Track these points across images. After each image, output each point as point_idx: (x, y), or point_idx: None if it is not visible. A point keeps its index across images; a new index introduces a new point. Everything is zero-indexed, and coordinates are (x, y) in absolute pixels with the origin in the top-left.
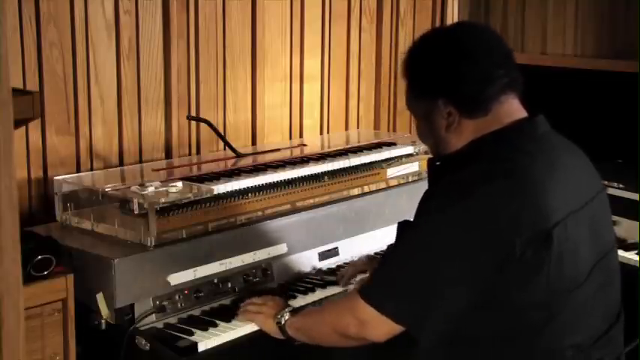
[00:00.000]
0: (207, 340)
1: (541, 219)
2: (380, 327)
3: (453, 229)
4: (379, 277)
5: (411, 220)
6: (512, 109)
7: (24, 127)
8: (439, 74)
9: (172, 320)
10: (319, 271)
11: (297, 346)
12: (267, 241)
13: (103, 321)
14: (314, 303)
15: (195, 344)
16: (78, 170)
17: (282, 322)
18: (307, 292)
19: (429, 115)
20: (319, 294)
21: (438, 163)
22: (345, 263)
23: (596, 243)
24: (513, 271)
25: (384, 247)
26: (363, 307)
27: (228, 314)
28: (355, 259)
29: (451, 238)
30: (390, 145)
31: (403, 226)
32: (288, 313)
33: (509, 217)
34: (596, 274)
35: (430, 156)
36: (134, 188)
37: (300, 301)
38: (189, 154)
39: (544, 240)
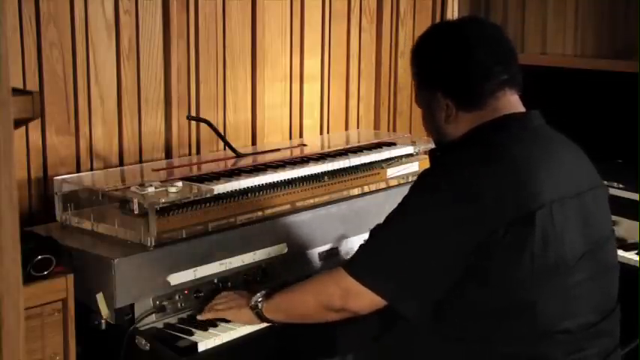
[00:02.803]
0: (207, 340)
1: (525, 201)
2: (363, 297)
3: (438, 208)
4: (364, 250)
5: None
6: (509, 103)
7: (24, 127)
8: (438, 69)
9: (172, 320)
10: (319, 271)
11: (300, 342)
12: (267, 241)
13: (103, 321)
14: None
15: (195, 344)
16: (78, 170)
17: (260, 307)
18: None
19: (430, 106)
20: None
21: (438, 154)
22: None
23: (586, 233)
24: (497, 250)
25: None
26: (346, 277)
27: None
28: None
29: (435, 217)
30: (390, 145)
31: None
32: (262, 297)
33: (493, 197)
34: (586, 264)
35: (433, 146)
36: (134, 188)
37: None
38: (189, 154)
39: (527, 222)
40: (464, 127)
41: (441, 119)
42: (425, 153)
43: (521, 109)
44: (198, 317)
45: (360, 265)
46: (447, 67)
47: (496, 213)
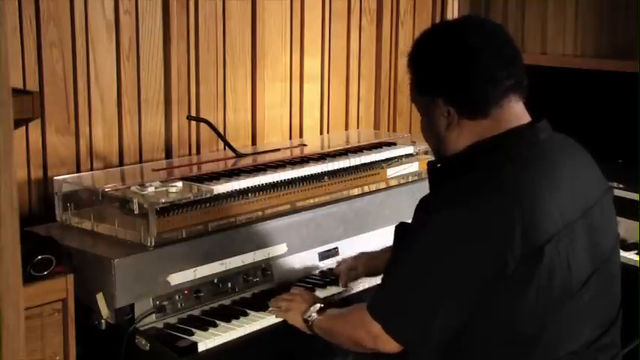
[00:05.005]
0: (207, 340)
1: (533, 235)
2: (391, 342)
3: (448, 247)
4: (385, 294)
5: (408, 222)
6: (514, 113)
7: (24, 127)
8: (439, 74)
9: (172, 320)
10: (319, 271)
11: (299, 343)
12: (267, 241)
13: (103, 321)
14: None
15: (195, 344)
16: (78, 170)
17: (310, 322)
18: None
19: (430, 113)
20: (319, 294)
21: (438, 165)
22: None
23: (594, 252)
24: (505, 285)
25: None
26: (372, 322)
27: (228, 314)
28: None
29: (446, 257)
30: (390, 145)
31: (400, 232)
32: (315, 313)
33: (501, 233)
34: (592, 284)
35: (431, 158)
36: (134, 188)
37: None
38: (189, 154)
39: (536, 256)
40: (466, 137)
41: (442, 127)
42: (425, 153)
43: (526, 119)
44: (270, 313)
45: (383, 311)
46: (448, 72)
47: (504, 250)
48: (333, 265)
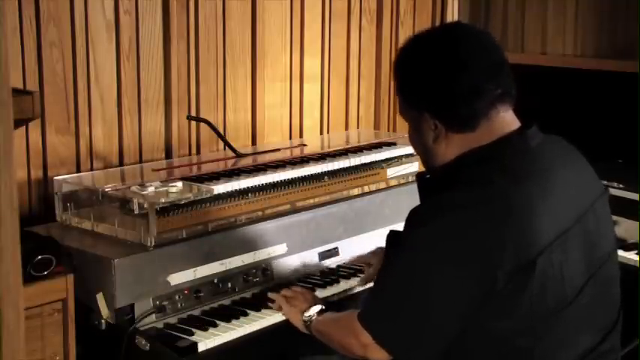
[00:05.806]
0: (207, 340)
1: (525, 248)
2: (380, 352)
3: (437, 260)
4: (376, 305)
5: (399, 230)
6: (504, 122)
7: (24, 127)
8: (425, 90)
9: (172, 320)
10: (319, 271)
11: (299, 342)
12: (267, 241)
13: (103, 321)
14: None
15: (195, 344)
16: (78, 170)
17: (308, 323)
18: None
19: (417, 125)
20: (319, 294)
21: (427, 176)
22: (343, 264)
23: (590, 257)
24: (495, 301)
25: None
26: (362, 331)
27: (228, 314)
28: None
29: (435, 268)
30: (390, 145)
31: (391, 240)
32: (315, 314)
33: (491, 248)
34: (588, 290)
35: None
36: (134, 188)
37: None
38: (189, 154)
39: (527, 269)
40: (455, 149)
41: (430, 139)
42: None
43: (516, 125)
44: (269, 294)
45: (374, 321)
46: (434, 89)
47: (494, 265)
48: (334, 265)
